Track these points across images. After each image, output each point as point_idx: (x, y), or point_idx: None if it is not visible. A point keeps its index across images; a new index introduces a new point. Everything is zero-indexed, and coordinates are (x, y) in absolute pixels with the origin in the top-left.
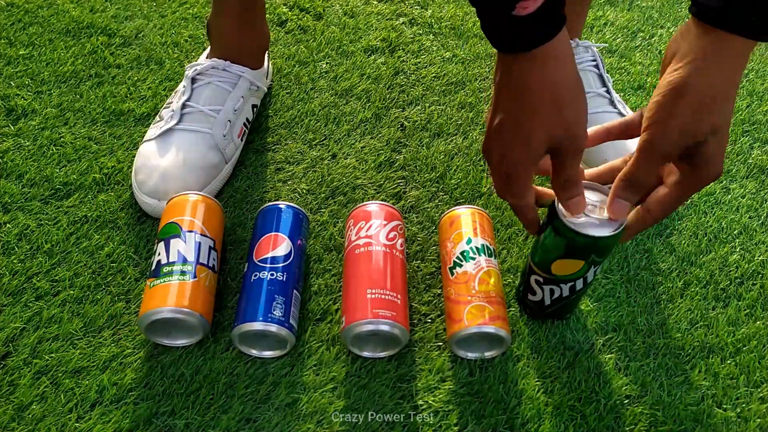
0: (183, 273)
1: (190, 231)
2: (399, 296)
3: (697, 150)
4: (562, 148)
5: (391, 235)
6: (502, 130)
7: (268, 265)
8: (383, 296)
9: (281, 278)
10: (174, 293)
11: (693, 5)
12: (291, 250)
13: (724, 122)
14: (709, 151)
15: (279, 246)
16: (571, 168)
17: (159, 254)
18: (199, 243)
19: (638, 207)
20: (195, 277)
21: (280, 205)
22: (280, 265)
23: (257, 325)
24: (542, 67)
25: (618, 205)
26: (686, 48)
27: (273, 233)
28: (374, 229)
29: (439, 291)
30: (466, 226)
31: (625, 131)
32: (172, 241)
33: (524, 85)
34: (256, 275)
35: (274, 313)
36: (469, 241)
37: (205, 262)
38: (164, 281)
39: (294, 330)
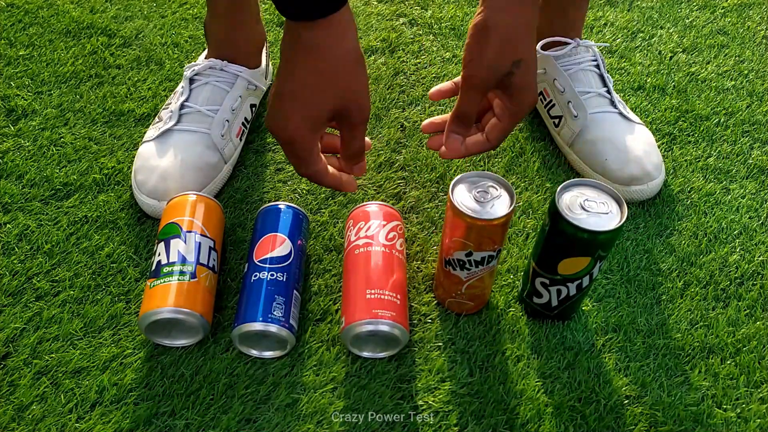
0: (183, 273)
1: (190, 231)
2: (398, 296)
3: (508, 81)
4: (346, 116)
5: (391, 235)
6: (285, 99)
7: (267, 266)
8: (383, 296)
9: (281, 278)
10: (174, 293)
11: None
12: (291, 250)
13: (528, 55)
14: (517, 81)
15: (279, 246)
16: (358, 137)
17: (159, 254)
18: (199, 243)
19: (478, 135)
20: (195, 277)
21: (280, 206)
22: (280, 265)
23: (257, 326)
24: (326, 37)
25: (451, 139)
26: None
27: (273, 233)
28: (374, 229)
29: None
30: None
31: (457, 89)
32: (172, 242)
33: (308, 53)
34: (256, 275)
35: (275, 313)
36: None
37: (206, 263)
38: (164, 281)
39: (294, 330)
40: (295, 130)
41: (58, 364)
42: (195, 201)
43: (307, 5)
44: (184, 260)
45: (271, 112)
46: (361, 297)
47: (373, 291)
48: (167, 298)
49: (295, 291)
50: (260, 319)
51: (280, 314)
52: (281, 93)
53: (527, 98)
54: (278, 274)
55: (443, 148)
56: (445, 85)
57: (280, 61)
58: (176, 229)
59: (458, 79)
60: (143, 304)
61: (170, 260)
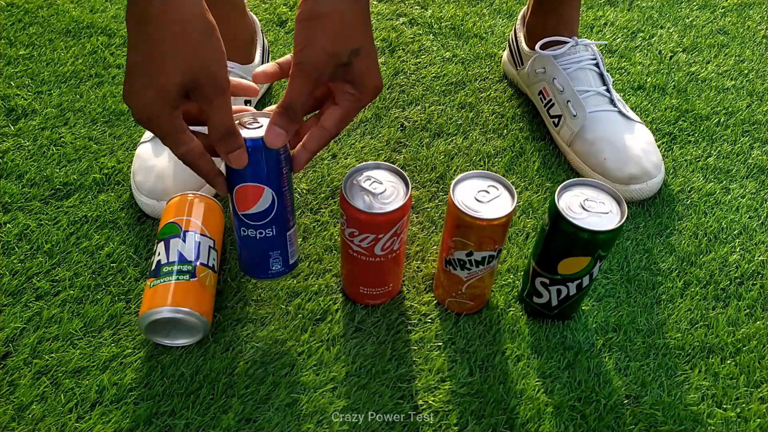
0: (183, 273)
1: (190, 231)
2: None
3: (346, 70)
4: (200, 89)
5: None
6: (132, 72)
7: (253, 222)
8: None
9: (270, 233)
10: (174, 293)
11: None
12: (272, 198)
13: (364, 42)
14: (356, 69)
15: (260, 200)
16: (219, 113)
17: (159, 254)
18: (199, 243)
19: (314, 128)
20: (195, 276)
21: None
22: (266, 220)
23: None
24: (162, 5)
25: (273, 132)
26: None
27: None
28: None
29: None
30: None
31: (282, 72)
32: (172, 241)
33: (147, 23)
34: (244, 231)
35: (273, 268)
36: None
37: (206, 262)
38: (164, 281)
39: (296, 263)
40: (149, 107)
41: (58, 363)
42: (194, 200)
43: None
44: (183, 260)
45: (124, 89)
46: None
47: None
48: (167, 297)
49: (288, 232)
50: (261, 276)
51: (280, 266)
52: (128, 68)
53: (371, 85)
54: (266, 230)
55: (266, 138)
56: (270, 66)
57: (127, 23)
58: (176, 229)
59: (282, 59)
60: (143, 304)
61: (170, 260)
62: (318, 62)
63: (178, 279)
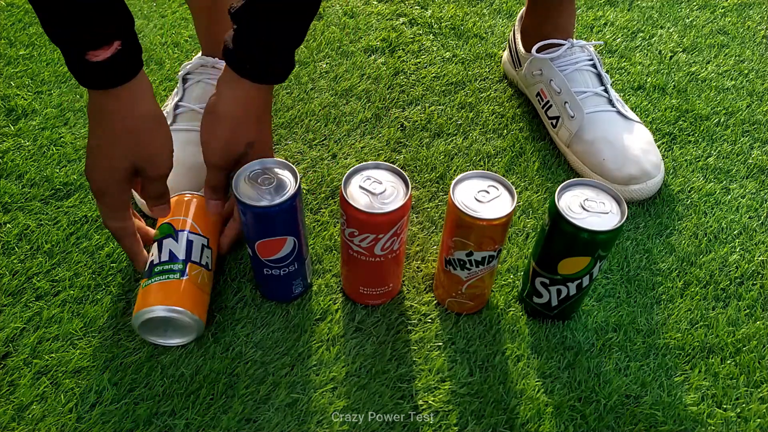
0: (173, 272)
1: (182, 230)
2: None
3: (244, 159)
4: (143, 172)
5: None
6: (91, 154)
7: (275, 265)
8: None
9: (293, 269)
10: (164, 292)
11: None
12: (294, 244)
13: (259, 137)
14: (251, 159)
15: (282, 247)
16: (154, 188)
17: (152, 255)
18: (191, 241)
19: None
20: (186, 275)
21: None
22: (288, 261)
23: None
24: (119, 103)
25: (209, 204)
26: (219, 79)
27: (272, 238)
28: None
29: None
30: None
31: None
32: (165, 242)
33: (105, 116)
34: (268, 271)
35: (295, 292)
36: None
37: (198, 260)
38: (155, 280)
39: (310, 282)
40: (101, 182)
41: (58, 364)
42: (191, 200)
43: (98, 77)
44: (174, 258)
45: (85, 165)
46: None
47: None
48: (157, 297)
49: (305, 260)
50: (284, 299)
51: (300, 289)
52: (88, 150)
53: None
54: (290, 267)
55: (208, 209)
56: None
57: (89, 114)
58: (169, 230)
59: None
60: (136, 304)
61: (161, 259)
62: (220, 153)
63: (168, 278)
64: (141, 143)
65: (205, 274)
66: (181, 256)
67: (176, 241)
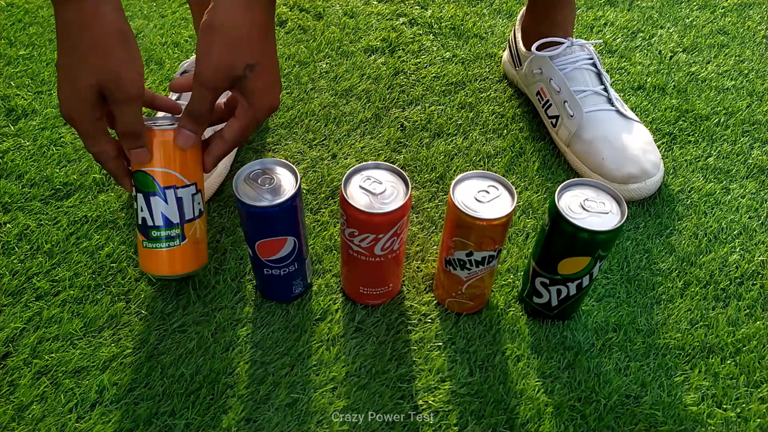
0: (171, 238)
1: (168, 187)
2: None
3: (241, 83)
4: (109, 92)
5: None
6: (60, 72)
7: (275, 265)
8: None
9: (293, 269)
10: (168, 260)
11: None
12: (294, 244)
13: (261, 59)
14: (250, 84)
15: (282, 247)
16: (125, 115)
17: (142, 210)
18: (180, 198)
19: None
20: (185, 238)
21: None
22: (288, 261)
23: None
24: (81, 13)
25: (182, 135)
26: None
27: (272, 239)
28: None
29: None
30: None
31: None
32: (152, 200)
33: (68, 30)
34: (268, 271)
35: (295, 292)
36: None
37: (191, 216)
38: (155, 246)
39: (310, 282)
40: (68, 104)
41: (58, 364)
42: (165, 142)
43: None
44: (170, 224)
45: (57, 87)
46: None
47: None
48: (165, 264)
49: (306, 259)
50: (284, 300)
51: (300, 289)
52: (57, 68)
53: (262, 102)
54: (290, 267)
55: (177, 141)
56: (185, 77)
57: (56, 29)
58: (152, 185)
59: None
60: (142, 261)
61: (155, 223)
62: (213, 73)
63: (168, 246)
64: (105, 59)
65: (198, 224)
66: (175, 219)
67: (165, 201)
